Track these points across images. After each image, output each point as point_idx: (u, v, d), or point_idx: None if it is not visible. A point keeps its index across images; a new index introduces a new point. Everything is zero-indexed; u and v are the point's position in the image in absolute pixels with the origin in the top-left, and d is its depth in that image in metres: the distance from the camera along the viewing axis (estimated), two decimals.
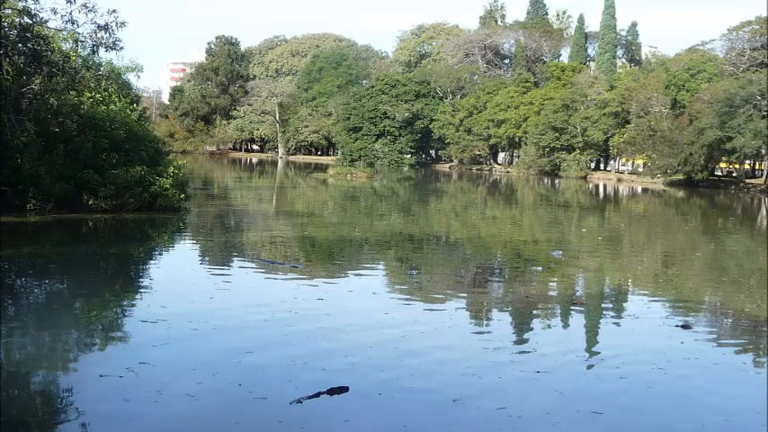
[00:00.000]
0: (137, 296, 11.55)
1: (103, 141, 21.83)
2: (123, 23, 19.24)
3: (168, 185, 22.99)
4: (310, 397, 6.72)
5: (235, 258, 16.09)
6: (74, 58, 20.34)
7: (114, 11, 18.73)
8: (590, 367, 8.36)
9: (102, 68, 26.33)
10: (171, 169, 23.86)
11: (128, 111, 25.18)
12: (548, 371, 7.89)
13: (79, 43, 19.39)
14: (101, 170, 21.36)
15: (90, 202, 21.03)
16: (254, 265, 15.03)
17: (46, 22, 17.84)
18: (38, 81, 17.77)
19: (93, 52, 20.17)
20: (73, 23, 18.37)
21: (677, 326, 10.10)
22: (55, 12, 18.16)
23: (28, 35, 16.70)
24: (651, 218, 34.07)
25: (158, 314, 9.71)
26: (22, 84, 17.62)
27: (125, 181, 21.45)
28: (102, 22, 18.62)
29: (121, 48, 20.21)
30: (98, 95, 23.06)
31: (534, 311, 11.46)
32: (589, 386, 7.70)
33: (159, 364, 7.64)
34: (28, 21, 17.11)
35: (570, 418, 6.71)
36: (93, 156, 21.64)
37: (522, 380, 7.62)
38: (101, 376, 7.27)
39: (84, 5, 18.06)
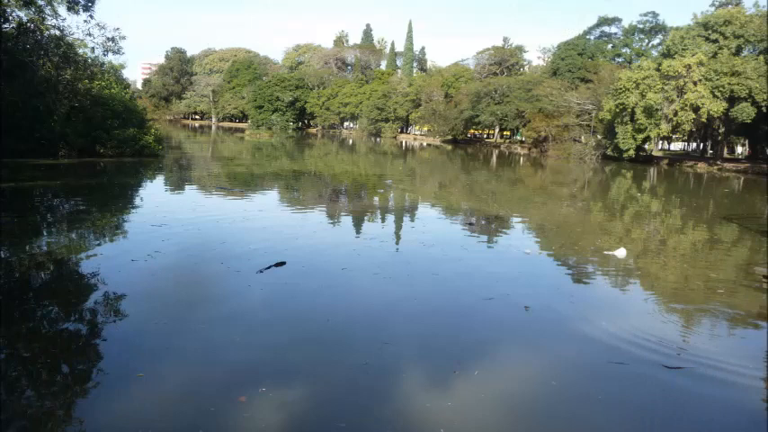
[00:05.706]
0: (138, 209, 17.85)
1: (108, 112, 33.01)
2: (124, 36, 26.95)
3: (151, 140, 35.50)
4: (266, 268, 10.67)
5: (195, 184, 25.55)
6: (87, 58, 28.02)
7: (118, 28, 26.81)
8: None
9: (104, 66, 36.52)
10: (152, 130, 37.13)
11: (122, 93, 37.75)
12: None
13: (94, 49, 26.81)
14: (108, 131, 32.70)
15: (101, 151, 32.37)
16: (205, 188, 24.54)
17: (72, 34, 24.94)
18: (69, 72, 25.47)
19: (104, 55, 27.50)
20: (89, 35, 26.03)
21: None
22: (78, 28, 26.00)
23: (61, 43, 23.75)
24: (434, 160, 55.82)
25: (162, 220, 15.32)
26: (59, 75, 25.07)
27: (123, 138, 33.06)
28: (110, 35, 26.46)
29: (123, 53, 28.92)
30: (104, 83, 34.71)
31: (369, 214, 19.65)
32: None
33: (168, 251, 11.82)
34: (58, 33, 23.96)
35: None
36: (102, 121, 32.65)
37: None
38: (132, 261, 10.81)
39: (98, 24, 25.97)
